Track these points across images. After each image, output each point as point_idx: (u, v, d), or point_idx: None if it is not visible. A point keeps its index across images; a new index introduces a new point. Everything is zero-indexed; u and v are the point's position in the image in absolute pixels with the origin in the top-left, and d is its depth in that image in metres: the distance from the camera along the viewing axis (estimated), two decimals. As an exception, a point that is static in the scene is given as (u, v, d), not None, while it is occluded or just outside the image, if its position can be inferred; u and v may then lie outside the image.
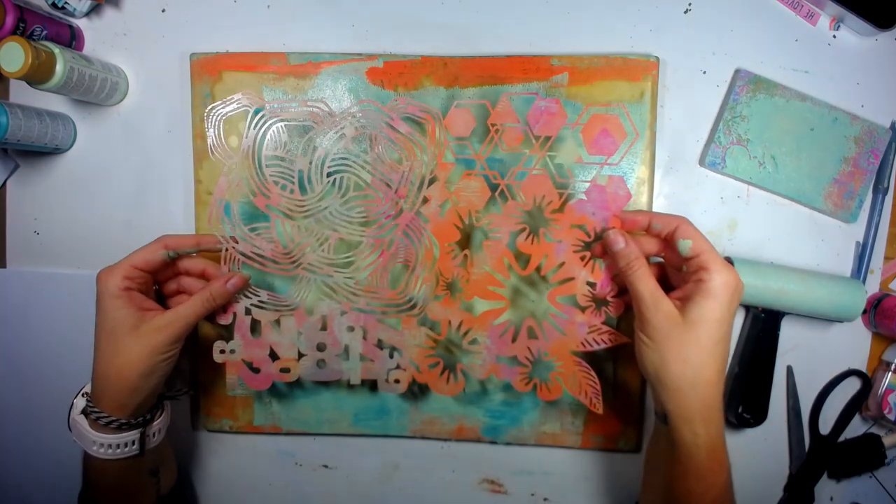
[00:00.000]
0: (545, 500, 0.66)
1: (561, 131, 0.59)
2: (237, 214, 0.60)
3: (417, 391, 0.63)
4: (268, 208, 0.60)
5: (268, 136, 0.60)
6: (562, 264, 0.59)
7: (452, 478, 0.67)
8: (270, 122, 0.60)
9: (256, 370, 0.62)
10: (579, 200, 0.59)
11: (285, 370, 0.62)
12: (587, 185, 0.59)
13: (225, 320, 0.60)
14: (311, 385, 0.64)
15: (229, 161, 0.60)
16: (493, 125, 0.59)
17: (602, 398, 0.60)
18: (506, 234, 0.60)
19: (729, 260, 0.59)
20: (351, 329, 0.62)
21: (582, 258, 0.59)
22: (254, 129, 0.60)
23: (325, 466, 0.67)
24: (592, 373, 0.60)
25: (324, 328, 0.62)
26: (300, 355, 0.62)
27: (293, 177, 0.60)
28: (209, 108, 0.60)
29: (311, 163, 0.60)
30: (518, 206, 0.60)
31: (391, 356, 0.62)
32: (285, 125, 0.60)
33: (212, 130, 0.60)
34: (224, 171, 0.60)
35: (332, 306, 0.61)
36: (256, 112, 0.60)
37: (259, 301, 0.60)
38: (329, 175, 0.60)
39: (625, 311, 0.59)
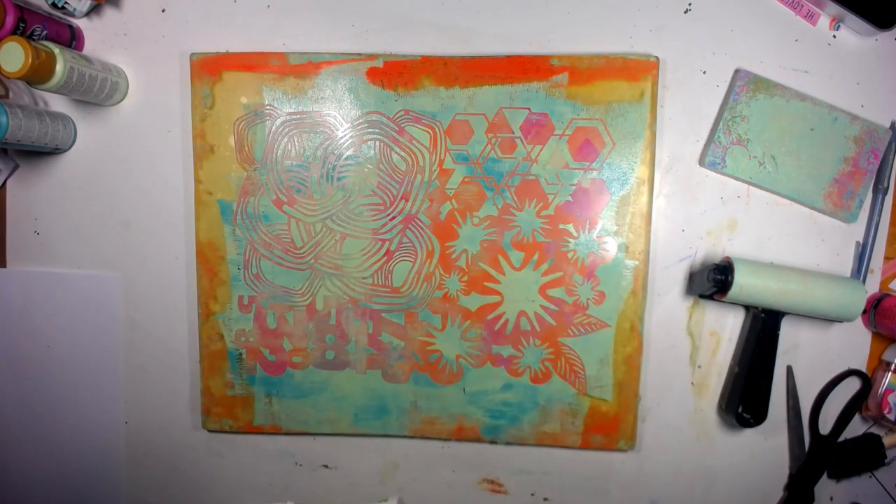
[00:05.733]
0: (545, 500, 0.66)
1: (549, 141, 0.60)
2: (258, 214, 0.63)
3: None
4: (284, 210, 0.62)
5: (286, 145, 0.62)
6: (552, 261, 0.61)
7: (452, 478, 0.67)
8: (288, 131, 0.62)
9: (272, 357, 0.64)
10: (566, 202, 0.61)
11: (297, 359, 0.64)
12: (573, 188, 0.61)
13: None
14: (317, 377, 0.64)
15: (251, 167, 0.62)
16: (489, 135, 0.61)
17: (602, 398, 0.62)
18: (501, 234, 0.62)
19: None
20: (357, 322, 0.63)
21: (569, 255, 0.60)
22: (274, 138, 0.62)
23: (325, 466, 0.67)
24: (578, 357, 0.62)
25: (333, 321, 0.63)
26: (310, 345, 0.64)
27: (307, 181, 0.61)
28: (236, 119, 0.62)
29: (323, 169, 0.61)
30: (512, 209, 0.61)
31: (394, 348, 0.63)
32: (301, 134, 0.62)
33: (236, 139, 0.62)
34: (247, 176, 0.62)
35: (340, 301, 0.63)
36: (276, 122, 0.62)
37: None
38: (339, 180, 0.62)
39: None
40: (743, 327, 0.63)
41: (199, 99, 0.62)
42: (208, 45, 0.63)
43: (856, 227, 0.62)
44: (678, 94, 0.61)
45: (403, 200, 0.62)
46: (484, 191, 0.61)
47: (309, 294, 0.63)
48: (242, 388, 0.65)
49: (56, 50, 0.56)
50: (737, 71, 0.61)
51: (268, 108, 0.62)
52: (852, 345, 0.63)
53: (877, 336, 0.63)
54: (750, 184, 0.61)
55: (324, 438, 0.67)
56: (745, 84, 0.60)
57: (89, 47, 0.65)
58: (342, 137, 0.62)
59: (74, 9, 0.61)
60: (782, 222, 0.62)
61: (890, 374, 0.61)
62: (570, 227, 0.61)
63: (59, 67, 0.56)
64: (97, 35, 0.64)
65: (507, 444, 0.65)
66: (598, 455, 0.65)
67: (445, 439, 0.65)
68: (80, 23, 0.64)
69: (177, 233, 0.65)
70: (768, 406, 0.60)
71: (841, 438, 0.63)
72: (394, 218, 0.62)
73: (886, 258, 0.62)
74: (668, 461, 0.64)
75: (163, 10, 0.64)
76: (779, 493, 0.65)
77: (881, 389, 0.61)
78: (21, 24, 0.56)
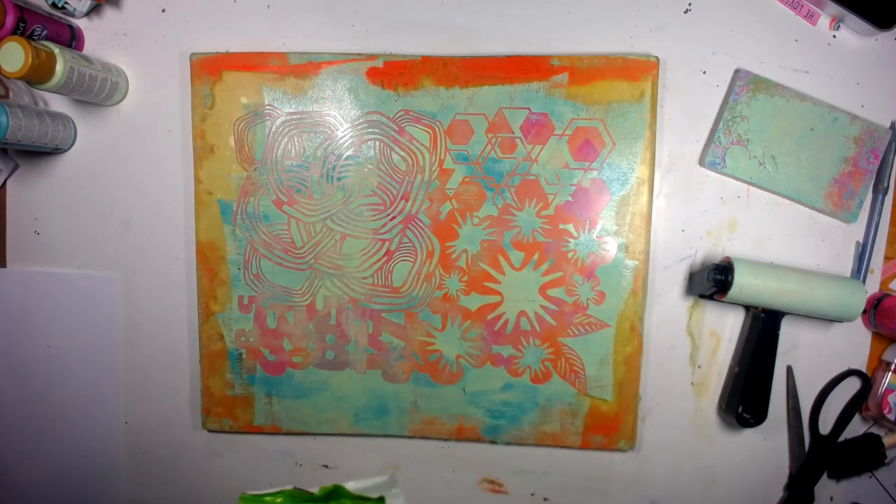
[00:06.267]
0: (545, 500, 0.66)
1: (549, 141, 0.60)
2: (258, 214, 0.63)
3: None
4: (284, 210, 0.62)
5: (286, 145, 0.62)
6: (552, 261, 0.61)
7: (452, 478, 0.67)
8: (288, 131, 0.62)
9: (272, 357, 0.64)
10: (566, 202, 0.61)
11: (297, 359, 0.64)
12: (573, 188, 0.61)
13: None
14: (317, 377, 0.64)
15: (251, 167, 0.62)
16: (489, 135, 0.61)
17: (602, 398, 0.62)
18: (501, 234, 0.62)
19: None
20: (357, 322, 0.63)
21: (569, 255, 0.60)
22: (274, 138, 0.62)
23: (325, 466, 0.67)
24: (578, 357, 0.62)
25: (333, 321, 0.63)
26: (310, 345, 0.63)
27: (307, 181, 0.61)
28: (236, 119, 0.62)
29: (323, 169, 0.61)
30: (512, 209, 0.61)
31: (394, 348, 0.63)
32: (301, 134, 0.62)
33: (236, 139, 0.62)
34: (247, 176, 0.62)
35: (340, 301, 0.63)
36: (276, 122, 0.62)
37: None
38: (339, 180, 0.62)
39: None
40: (743, 327, 0.63)
41: (199, 99, 0.62)
42: (208, 45, 0.63)
43: (856, 227, 0.62)
44: (678, 94, 0.61)
45: (403, 200, 0.62)
46: (484, 191, 0.61)
47: (309, 294, 0.63)
48: (242, 388, 0.65)
49: (56, 50, 0.56)
50: (737, 71, 0.61)
51: (268, 108, 0.62)
52: (852, 345, 0.63)
53: (877, 336, 0.63)
54: (750, 184, 0.61)
55: (324, 438, 0.67)
56: (745, 84, 0.60)
57: (89, 47, 0.65)
58: (342, 137, 0.62)
59: (74, 9, 0.61)
60: (782, 222, 0.62)
61: (890, 374, 0.61)
62: (570, 227, 0.61)
63: (59, 67, 0.56)
64: (97, 35, 0.64)
65: (507, 444, 0.65)
66: (598, 455, 0.65)
67: (445, 439, 0.65)
68: (80, 23, 0.64)
69: (177, 233, 0.65)
70: (768, 406, 0.60)
71: (841, 438, 0.63)
72: (394, 218, 0.62)
73: (886, 258, 0.62)
74: (668, 461, 0.64)
75: (163, 10, 0.64)
76: (779, 493, 0.65)
77: (881, 389, 0.61)
78: (21, 24, 0.56)
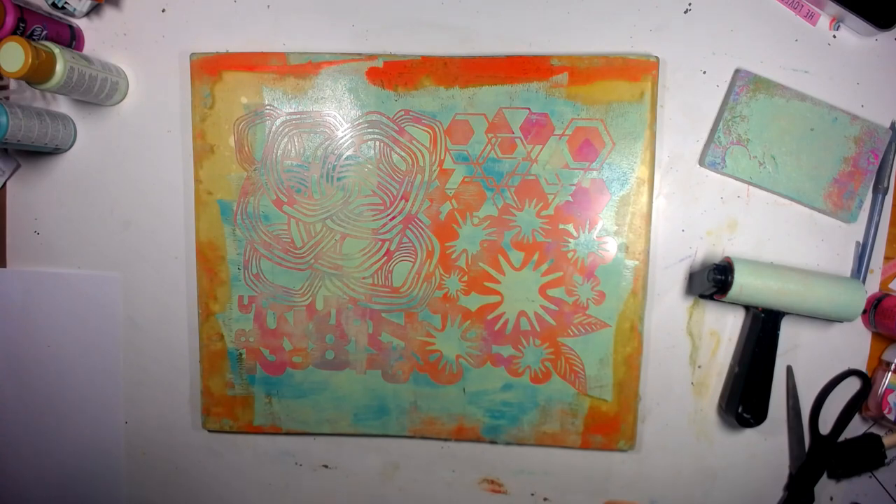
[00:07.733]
0: (545, 500, 0.66)
1: (549, 141, 0.61)
2: (258, 214, 0.63)
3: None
4: (284, 210, 0.62)
5: (286, 145, 0.62)
6: (552, 261, 0.61)
7: (452, 478, 0.67)
8: (288, 131, 0.62)
9: (272, 357, 0.64)
10: (566, 202, 0.61)
11: (297, 359, 0.64)
12: (573, 188, 0.61)
13: None
14: (317, 377, 0.64)
15: (251, 167, 0.62)
16: (489, 135, 0.61)
17: (602, 398, 0.62)
18: (501, 234, 0.62)
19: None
20: (357, 322, 0.63)
21: (569, 255, 0.60)
22: (274, 138, 0.62)
23: (325, 466, 0.67)
24: (578, 357, 0.62)
25: (333, 321, 0.63)
26: (310, 345, 0.64)
27: (307, 181, 0.61)
28: (236, 119, 0.62)
29: (323, 169, 0.61)
30: (512, 209, 0.61)
31: (394, 348, 0.63)
32: (301, 134, 0.62)
33: (236, 139, 0.62)
34: (247, 176, 0.62)
35: (340, 301, 0.63)
36: (276, 122, 0.62)
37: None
38: (339, 180, 0.62)
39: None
40: (743, 327, 0.63)
41: (199, 99, 0.62)
42: (208, 45, 0.63)
43: (856, 227, 0.62)
44: (678, 94, 0.62)
45: (403, 200, 0.62)
46: (484, 191, 0.61)
47: (309, 294, 0.63)
48: (242, 388, 0.65)
49: (56, 50, 0.56)
50: (737, 71, 0.61)
51: (268, 108, 0.62)
52: (852, 345, 0.63)
53: (877, 336, 0.63)
54: (750, 184, 0.62)
55: (324, 438, 0.67)
56: (745, 84, 0.60)
57: (89, 47, 0.65)
58: (342, 137, 0.62)
59: (74, 9, 0.61)
60: (782, 222, 0.62)
61: (890, 374, 0.61)
62: (570, 227, 0.61)
63: (59, 67, 0.56)
64: (97, 35, 0.64)
65: (507, 444, 0.65)
66: (598, 455, 0.65)
67: (445, 439, 0.65)
68: (80, 23, 0.64)
69: (177, 233, 0.65)
70: (768, 406, 0.60)
71: (841, 438, 0.63)
72: (394, 218, 0.62)
73: (886, 258, 0.62)
74: (668, 461, 0.64)
75: (163, 10, 0.64)
76: (779, 493, 0.65)
77: (881, 389, 0.61)
78: (21, 24, 0.56)
